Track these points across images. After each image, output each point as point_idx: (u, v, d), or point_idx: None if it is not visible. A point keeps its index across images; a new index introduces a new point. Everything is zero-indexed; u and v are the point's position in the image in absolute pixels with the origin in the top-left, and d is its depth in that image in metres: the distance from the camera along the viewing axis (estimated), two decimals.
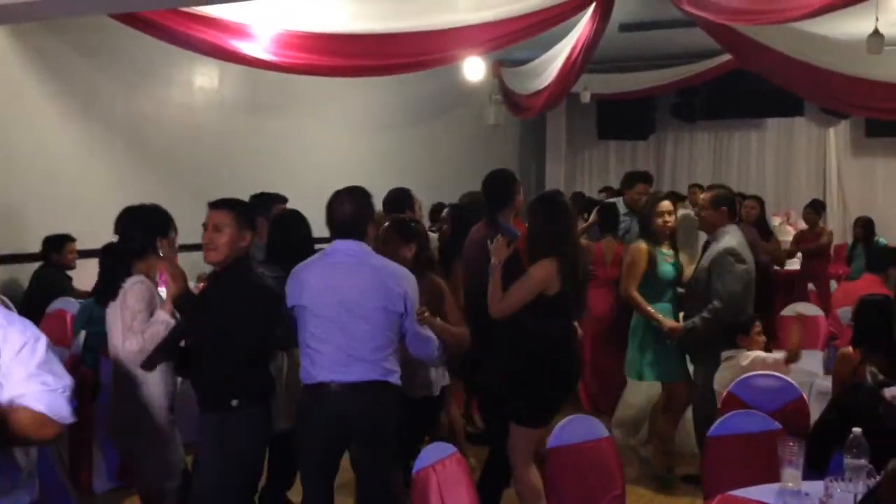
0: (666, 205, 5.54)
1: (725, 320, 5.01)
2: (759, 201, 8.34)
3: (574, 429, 3.56)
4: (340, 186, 3.80)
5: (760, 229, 7.91)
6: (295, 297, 3.68)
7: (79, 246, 6.60)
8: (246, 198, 3.96)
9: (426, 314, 3.80)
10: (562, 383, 4.18)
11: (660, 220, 5.46)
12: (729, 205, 5.31)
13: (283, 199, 5.92)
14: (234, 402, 3.40)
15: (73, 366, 5.04)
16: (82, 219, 6.72)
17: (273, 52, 6.11)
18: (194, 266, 5.63)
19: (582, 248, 4.80)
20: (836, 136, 11.74)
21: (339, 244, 3.70)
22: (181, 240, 3.98)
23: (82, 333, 5.25)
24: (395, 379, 3.66)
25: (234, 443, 3.43)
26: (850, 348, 4.29)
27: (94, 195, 6.96)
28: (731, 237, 5.19)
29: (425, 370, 4.19)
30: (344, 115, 9.51)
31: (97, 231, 6.36)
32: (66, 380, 2.42)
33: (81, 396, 5.08)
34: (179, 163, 7.51)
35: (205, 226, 3.58)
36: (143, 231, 3.72)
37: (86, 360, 5.19)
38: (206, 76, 8.02)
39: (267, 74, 6.95)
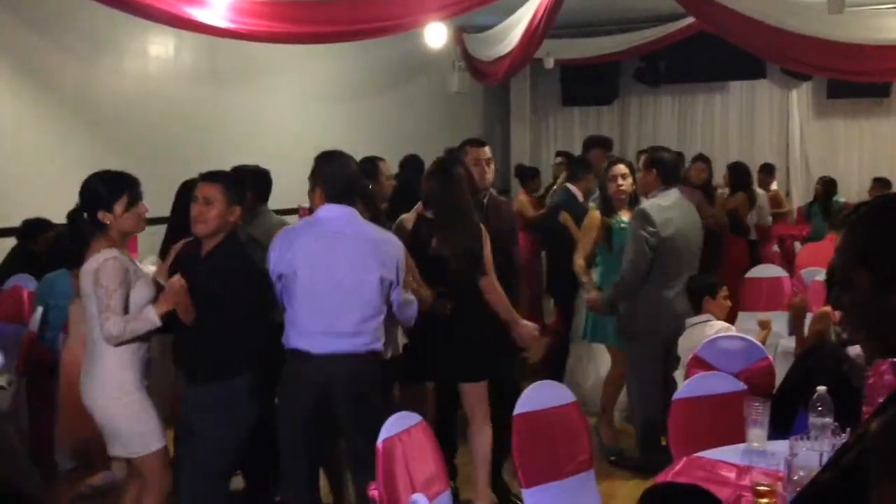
0: (619, 168, 5.22)
1: (628, 289, 4.82)
2: (708, 163, 7.60)
3: (540, 394, 3.54)
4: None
5: (707, 193, 7.35)
6: (284, 262, 3.51)
7: None
8: (205, 169, 3.82)
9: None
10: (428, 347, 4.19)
11: (613, 185, 5.17)
12: (658, 166, 4.98)
13: None
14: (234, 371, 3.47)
15: (30, 343, 4.93)
16: (32, 194, 6.53)
17: (230, 19, 5.98)
18: (157, 241, 5.50)
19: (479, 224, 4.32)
20: (799, 97, 11.79)
21: (330, 210, 3.55)
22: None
23: (39, 309, 5.12)
24: (380, 346, 3.61)
25: (239, 409, 3.49)
26: (829, 307, 4.26)
27: (45, 170, 6.77)
28: (655, 200, 4.88)
29: (395, 331, 4.13)
30: (304, 83, 9.36)
31: (47, 207, 6.23)
32: None
33: (39, 374, 4.98)
34: (136, 136, 7.33)
35: (195, 198, 3.49)
36: (94, 199, 3.45)
37: (44, 336, 5.06)
38: (161, 45, 7.82)
39: (225, 42, 6.80)
